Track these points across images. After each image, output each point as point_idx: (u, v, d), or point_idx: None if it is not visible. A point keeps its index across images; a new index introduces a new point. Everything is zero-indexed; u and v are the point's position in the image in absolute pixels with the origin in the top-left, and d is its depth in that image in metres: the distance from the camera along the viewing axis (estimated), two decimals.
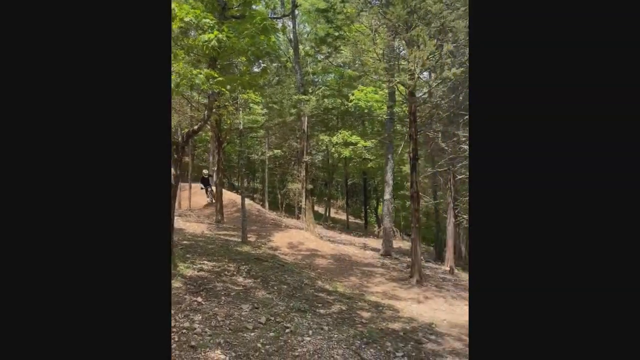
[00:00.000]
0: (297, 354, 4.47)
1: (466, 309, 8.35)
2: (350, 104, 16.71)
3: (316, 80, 20.19)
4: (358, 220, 25.91)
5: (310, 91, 16.00)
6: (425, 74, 13.95)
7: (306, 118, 15.48)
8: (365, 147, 16.93)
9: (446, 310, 7.82)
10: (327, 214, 23.38)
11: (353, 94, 16.40)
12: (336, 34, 10.98)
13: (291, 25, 15.78)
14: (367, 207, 25.14)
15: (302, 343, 4.75)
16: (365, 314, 6.52)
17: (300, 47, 17.25)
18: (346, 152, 16.93)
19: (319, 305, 6.54)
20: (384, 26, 9.44)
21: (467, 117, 13.05)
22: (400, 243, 17.82)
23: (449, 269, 12.75)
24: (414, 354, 5.00)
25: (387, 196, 14.25)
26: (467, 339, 5.78)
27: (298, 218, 16.92)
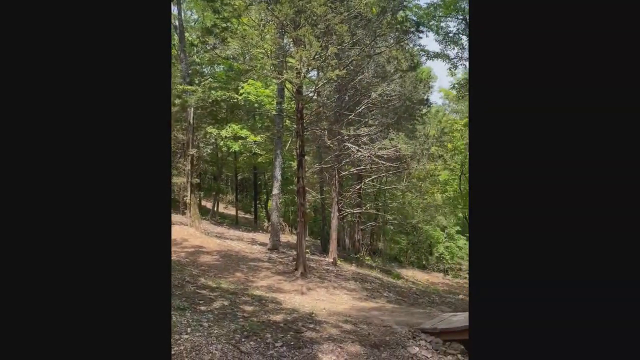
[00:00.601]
0: (173, 352, 4.34)
1: (345, 297, 8.90)
2: (240, 98, 16.51)
3: (204, 71, 19.52)
4: (248, 216, 25.75)
5: (197, 82, 15.44)
6: (315, 72, 14.39)
7: (192, 109, 14.90)
8: (255, 141, 16.89)
9: (327, 300, 8.22)
10: (216, 209, 22.82)
11: (243, 87, 16.23)
12: (224, 25, 10.76)
13: (176, 11, 15.03)
14: (257, 202, 25.12)
15: (179, 341, 4.62)
16: (248, 308, 6.56)
17: (187, 34, 16.51)
18: (235, 146, 16.71)
19: (200, 302, 6.41)
20: (272, 22, 9.52)
21: (350, 116, 13.81)
22: (289, 237, 18.18)
23: (332, 260, 13.39)
24: (292, 342, 5.19)
25: (275, 191, 14.42)
26: (343, 325, 6.18)
27: (183, 214, 16.25)
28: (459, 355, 5.46)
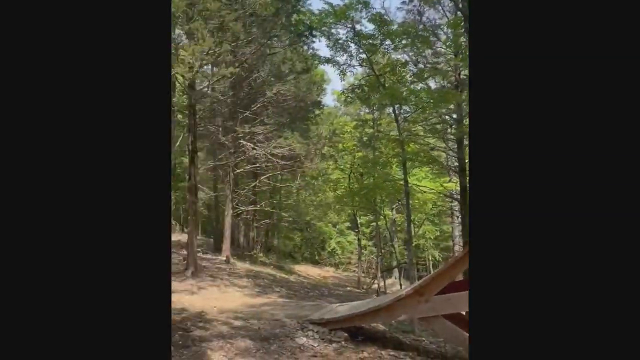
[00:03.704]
0: None
1: (237, 294, 8.93)
2: None
3: None
4: None
5: None
6: (209, 67, 14.06)
7: None
8: None
9: (218, 298, 8.18)
10: None
11: None
12: None
13: None
14: None
15: None
16: None
17: None
18: None
19: None
20: None
21: (246, 114, 13.79)
22: (180, 236, 17.49)
23: (225, 258, 13.26)
24: (180, 342, 5.12)
25: None
26: (234, 321, 6.24)
27: None
28: (343, 342, 5.88)
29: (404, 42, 10.58)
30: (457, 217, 11.59)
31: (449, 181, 16.11)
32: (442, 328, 5.53)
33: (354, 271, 23.02)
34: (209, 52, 8.92)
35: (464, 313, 7.32)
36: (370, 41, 10.75)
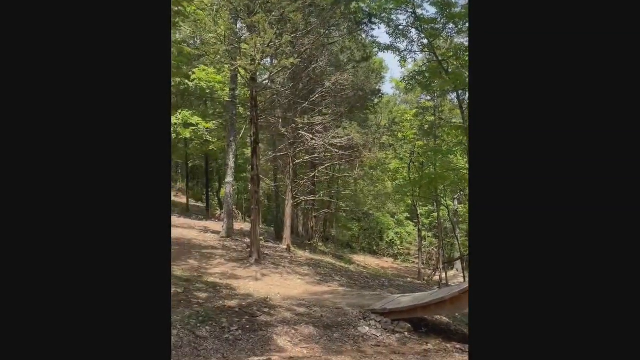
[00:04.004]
0: None
1: (299, 282, 9.11)
2: (190, 84, 16.12)
3: None
4: (199, 204, 25.30)
5: None
6: (269, 59, 14.32)
7: None
8: (206, 128, 16.59)
9: (281, 285, 8.39)
10: None
11: (194, 73, 15.84)
12: (175, 8, 10.45)
13: None
14: (209, 190, 24.74)
15: None
16: (203, 295, 6.60)
17: None
18: (186, 133, 16.34)
19: None
20: (226, 8, 9.38)
21: (304, 104, 13.91)
22: (242, 225, 18.13)
23: (286, 247, 13.56)
24: (247, 326, 5.32)
25: (229, 179, 14.31)
26: (297, 308, 6.38)
27: None
28: (406, 333, 5.82)
29: (467, 25, 10.11)
30: None
31: None
32: None
33: (414, 262, 22.65)
34: (270, 44, 9.06)
35: None
36: (432, 25, 10.38)
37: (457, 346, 5.37)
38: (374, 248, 26.03)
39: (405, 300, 6.73)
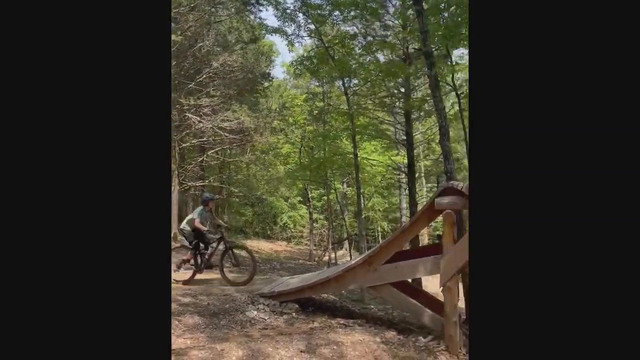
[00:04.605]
0: None
1: (186, 271, 8.74)
2: None
3: None
4: None
5: None
6: None
7: None
8: None
9: None
10: None
11: None
12: None
13: None
14: None
15: None
16: None
17: None
18: None
19: None
20: None
21: (190, 85, 13.21)
22: None
23: (172, 235, 12.91)
24: None
25: None
26: (182, 299, 6.11)
27: None
28: (294, 313, 5.95)
29: (352, 13, 10.47)
30: (405, 189, 11.95)
31: (397, 154, 16.48)
32: (389, 295, 5.70)
33: (306, 244, 23.28)
34: None
35: (410, 280, 7.60)
36: (319, 11, 10.54)
37: (341, 322, 5.65)
38: (268, 232, 26.14)
39: (294, 281, 6.87)
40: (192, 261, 7.35)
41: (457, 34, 8.86)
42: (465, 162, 11.86)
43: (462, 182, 5.47)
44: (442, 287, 4.97)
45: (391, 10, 11.17)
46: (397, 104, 12.55)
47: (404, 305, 5.69)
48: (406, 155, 12.08)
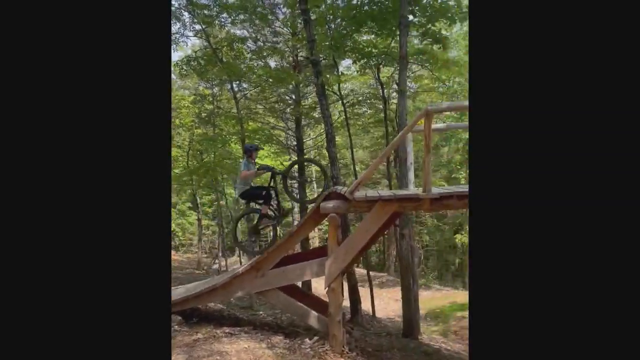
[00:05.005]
0: None
1: None
2: None
3: None
4: None
5: None
6: None
7: None
8: None
9: None
10: None
11: None
12: None
13: None
14: None
15: None
16: None
17: None
18: None
19: None
20: None
21: None
22: None
23: None
24: None
25: None
26: None
27: None
28: (176, 326, 5.64)
29: (241, 17, 10.36)
30: (297, 194, 12.15)
31: (289, 160, 16.68)
32: (277, 300, 5.72)
33: (195, 252, 22.33)
34: None
35: (299, 284, 7.70)
36: (206, 12, 10.23)
37: (227, 331, 5.51)
38: None
39: (177, 292, 6.52)
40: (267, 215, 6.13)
41: (343, 45, 9.30)
42: (353, 167, 12.45)
43: (345, 187, 5.72)
44: (326, 288, 5.13)
45: (281, 16, 11.30)
46: (288, 110, 12.71)
47: (292, 308, 5.75)
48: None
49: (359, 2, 8.74)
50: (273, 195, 6.02)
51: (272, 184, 5.97)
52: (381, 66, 10.24)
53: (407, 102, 7.85)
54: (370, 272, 10.88)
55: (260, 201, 5.95)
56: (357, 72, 11.25)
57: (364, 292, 9.32)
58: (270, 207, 5.99)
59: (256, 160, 6.18)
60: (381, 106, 11.48)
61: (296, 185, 6.72)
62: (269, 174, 6.04)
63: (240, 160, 7.21)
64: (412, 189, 6.08)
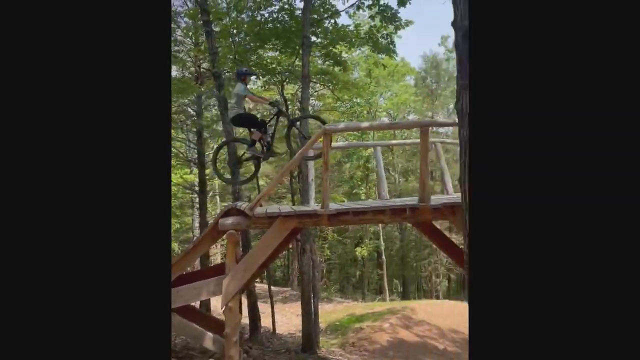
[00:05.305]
0: None
1: None
2: None
3: None
4: None
5: None
6: None
7: None
8: None
9: None
10: None
11: None
12: None
13: None
14: None
15: None
16: None
17: None
18: None
19: None
20: None
21: None
22: None
23: None
24: None
25: None
26: None
27: None
28: None
29: None
30: (197, 208, 11.64)
31: (190, 173, 16.02)
32: (172, 322, 5.39)
33: None
34: None
35: (196, 305, 7.37)
36: None
37: None
38: None
39: None
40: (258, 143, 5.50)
41: (247, 60, 9.27)
42: (257, 182, 12.33)
43: (245, 203, 5.65)
44: (223, 308, 4.98)
45: (182, 25, 10.94)
46: (189, 121, 12.26)
47: (186, 330, 5.48)
48: (198, 174, 11.85)
49: (262, 19, 8.82)
50: (270, 131, 5.50)
51: (272, 122, 5.50)
52: (285, 83, 10.39)
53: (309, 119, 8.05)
54: (274, 287, 10.81)
55: (253, 129, 5.43)
56: (262, 87, 11.28)
57: (265, 308, 9.21)
58: (261, 140, 5.46)
59: None
60: (286, 122, 11.61)
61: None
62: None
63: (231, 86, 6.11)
64: (313, 205, 6.22)
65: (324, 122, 5.56)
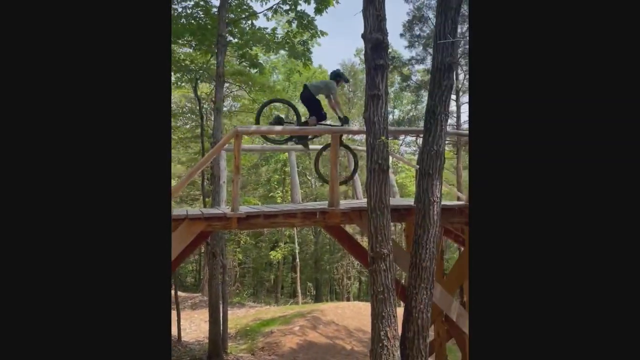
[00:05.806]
0: None
1: None
2: None
3: None
4: None
5: None
6: None
7: None
8: None
9: None
10: None
11: None
12: None
13: None
14: None
15: None
16: None
17: None
18: None
19: None
20: None
21: None
22: None
23: None
24: None
25: None
26: None
27: None
28: None
29: None
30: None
31: None
32: None
33: None
34: None
35: None
36: None
37: None
38: None
39: None
40: None
41: None
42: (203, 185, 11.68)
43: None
44: None
45: None
46: None
47: None
48: None
49: (175, 14, 8.47)
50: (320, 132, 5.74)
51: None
52: (199, 81, 10.06)
53: (222, 120, 7.88)
54: (184, 293, 10.34)
55: (313, 116, 5.55)
56: (174, 84, 10.81)
57: (172, 315, 8.79)
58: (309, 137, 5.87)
59: None
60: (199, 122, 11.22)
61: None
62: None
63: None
64: (223, 207, 6.07)
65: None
